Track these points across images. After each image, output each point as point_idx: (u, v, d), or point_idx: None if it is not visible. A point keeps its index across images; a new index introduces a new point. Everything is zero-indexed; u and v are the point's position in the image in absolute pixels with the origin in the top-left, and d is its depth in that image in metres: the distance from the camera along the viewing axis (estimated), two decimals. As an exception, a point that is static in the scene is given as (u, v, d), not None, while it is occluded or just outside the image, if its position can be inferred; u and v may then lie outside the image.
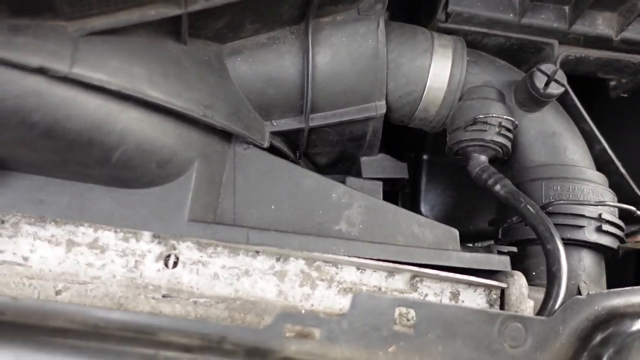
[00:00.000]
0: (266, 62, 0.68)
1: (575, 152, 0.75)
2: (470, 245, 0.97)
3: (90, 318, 0.47)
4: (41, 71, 0.48)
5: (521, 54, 0.86)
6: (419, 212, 0.99)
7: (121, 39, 0.54)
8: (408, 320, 0.58)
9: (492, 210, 0.93)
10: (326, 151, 0.81)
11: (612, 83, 0.93)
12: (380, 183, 0.78)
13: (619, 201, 0.76)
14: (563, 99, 0.81)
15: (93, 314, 0.47)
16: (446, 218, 0.98)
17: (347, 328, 0.52)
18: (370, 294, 0.55)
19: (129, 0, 0.52)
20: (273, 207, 0.66)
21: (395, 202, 0.98)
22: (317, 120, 0.72)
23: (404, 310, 0.57)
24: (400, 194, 1.00)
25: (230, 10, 0.60)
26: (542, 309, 0.58)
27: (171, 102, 0.57)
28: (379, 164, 0.82)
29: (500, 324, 0.54)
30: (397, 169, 0.83)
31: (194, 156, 0.62)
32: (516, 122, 0.73)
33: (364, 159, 0.82)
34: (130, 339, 0.49)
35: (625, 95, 0.93)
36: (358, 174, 0.83)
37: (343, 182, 0.78)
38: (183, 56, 0.60)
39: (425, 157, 0.99)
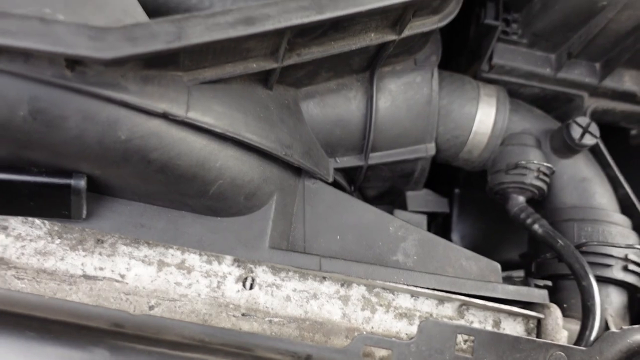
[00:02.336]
0: (335, 106, 0.76)
1: (603, 196, 0.83)
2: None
3: (200, 334, 0.54)
4: (164, 115, 0.56)
5: (553, 103, 0.94)
6: (449, 240, 1.06)
7: (223, 86, 0.62)
8: (467, 345, 0.65)
9: (518, 243, 1.01)
10: (377, 185, 0.88)
11: (633, 132, 1.02)
12: (425, 216, 0.86)
13: None
14: (592, 147, 0.89)
15: (206, 330, 0.54)
16: (475, 248, 1.05)
17: (415, 350, 0.59)
18: (436, 321, 0.62)
19: (237, 55, 0.60)
20: (338, 237, 0.73)
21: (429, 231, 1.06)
22: (375, 159, 0.80)
23: (464, 336, 0.65)
24: (433, 223, 1.08)
25: (313, 63, 0.67)
26: (579, 340, 0.66)
27: (262, 143, 0.64)
28: (423, 199, 0.90)
29: (546, 351, 0.62)
30: (439, 204, 0.90)
31: (274, 189, 0.69)
32: (553, 169, 0.81)
33: (409, 193, 0.90)
34: (228, 352, 0.56)
35: (645, 145, 1.02)
36: (401, 206, 0.90)
37: (391, 213, 0.86)
38: (269, 101, 0.68)
39: (457, 190, 1.07)
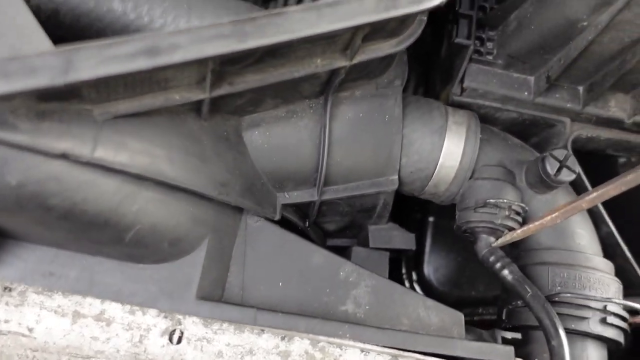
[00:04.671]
0: (283, 136, 0.68)
1: (583, 237, 0.76)
2: (471, 310, 0.97)
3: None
4: (64, 156, 0.48)
5: (533, 128, 0.87)
6: (422, 273, 0.99)
7: (143, 119, 0.54)
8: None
9: (494, 278, 0.93)
10: (335, 220, 0.81)
11: (622, 160, 0.94)
12: (387, 254, 0.79)
13: (623, 283, 0.76)
14: (573, 179, 0.81)
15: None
16: (449, 281, 0.98)
17: None
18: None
19: (154, 85, 0.52)
20: (281, 284, 0.65)
21: (399, 262, 0.99)
22: (330, 193, 0.73)
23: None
24: (404, 255, 1.00)
25: (252, 91, 0.60)
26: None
27: (189, 183, 0.57)
28: (387, 234, 0.82)
29: None
30: (404, 240, 0.83)
31: (206, 232, 0.62)
32: (526, 208, 0.74)
33: (372, 227, 0.82)
34: None
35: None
36: (365, 240, 0.83)
37: (350, 251, 0.78)
38: (202, 133, 0.61)
39: (431, 219, 1.00)
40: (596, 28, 0.67)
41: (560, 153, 0.73)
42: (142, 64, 0.44)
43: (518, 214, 0.74)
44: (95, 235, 0.54)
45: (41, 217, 0.51)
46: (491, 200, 0.72)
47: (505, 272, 0.70)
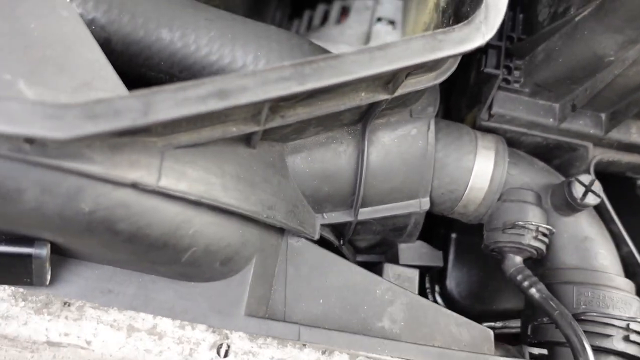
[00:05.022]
0: (323, 161, 0.72)
1: (605, 258, 0.79)
2: (495, 324, 1.00)
3: None
4: (133, 186, 0.52)
5: (556, 152, 0.90)
6: (444, 287, 1.02)
7: (200, 149, 0.58)
8: None
9: (515, 293, 0.97)
10: (368, 238, 0.84)
11: (639, 182, 0.97)
12: (417, 271, 0.82)
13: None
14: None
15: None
16: (470, 295, 1.02)
17: None
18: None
19: (214, 119, 0.56)
20: (321, 300, 0.69)
21: (423, 276, 1.02)
22: (365, 214, 0.76)
23: None
24: (429, 271, 1.03)
25: (299, 122, 0.63)
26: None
27: (241, 207, 0.60)
28: (416, 252, 0.86)
29: None
30: (432, 258, 0.86)
31: (253, 252, 0.66)
32: (553, 230, 0.77)
33: (402, 245, 0.86)
34: None
35: (652, 196, 0.98)
36: (394, 257, 0.86)
37: (381, 267, 0.82)
38: (252, 160, 0.64)
39: (453, 235, 1.03)
40: (623, 63, 0.70)
41: (585, 178, 0.77)
42: (213, 105, 0.48)
43: (545, 235, 0.77)
44: (154, 256, 0.58)
45: (108, 240, 0.54)
46: (519, 222, 0.75)
47: (533, 290, 0.73)
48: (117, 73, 0.72)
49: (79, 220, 0.52)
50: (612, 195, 1.01)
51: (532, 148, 0.90)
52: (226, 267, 0.63)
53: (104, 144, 0.51)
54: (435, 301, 1.02)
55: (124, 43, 0.73)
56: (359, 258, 0.92)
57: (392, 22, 1.23)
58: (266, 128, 0.59)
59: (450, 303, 1.02)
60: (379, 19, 1.22)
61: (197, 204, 0.57)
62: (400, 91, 0.64)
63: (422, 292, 1.03)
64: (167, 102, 0.47)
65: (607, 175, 0.94)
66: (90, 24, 0.72)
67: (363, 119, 0.71)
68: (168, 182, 0.54)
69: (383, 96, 0.64)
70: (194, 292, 0.63)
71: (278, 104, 0.58)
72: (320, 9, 1.31)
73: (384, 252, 0.90)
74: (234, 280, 0.65)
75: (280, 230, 0.71)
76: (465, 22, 0.57)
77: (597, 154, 0.88)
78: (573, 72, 0.76)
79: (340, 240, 0.81)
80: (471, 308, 1.02)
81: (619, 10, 0.65)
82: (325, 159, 0.72)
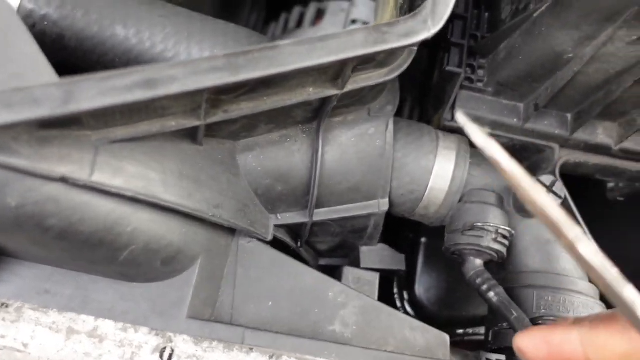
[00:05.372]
0: (277, 160, 0.70)
1: (568, 261, 0.77)
2: (461, 332, 0.98)
3: None
4: (63, 180, 0.50)
5: (523, 153, 0.88)
6: (413, 292, 1.00)
7: (140, 144, 0.56)
8: None
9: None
10: (327, 240, 0.82)
11: (610, 185, 0.96)
12: (377, 275, 0.80)
13: (608, 307, 0.77)
14: (561, 203, 0.83)
15: None
16: (439, 301, 1.00)
17: None
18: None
19: (151, 113, 0.54)
20: (271, 303, 0.67)
21: (390, 282, 1.00)
22: (321, 215, 0.74)
23: None
24: (397, 275, 1.02)
25: (246, 118, 0.62)
26: None
27: (182, 205, 0.58)
28: (377, 255, 0.84)
29: None
30: (395, 261, 0.84)
31: (199, 252, 0.64)
32: (512, 232, 0.75)
33: (363, 248, 0.84)
34: None
35: (622, 199, 0.96)
36: (357, 260, 0.84)
37: (341, 271, 0.80)
38: (197, 157, 0.63)
39: (423, 239, 1.01)
40: (581, 60, 0.69)
41: (546, 179, 0.75)
42: (140, 95, 0.46)
43: (505, 237, 0.75)
44: (90, 254, 0.56)
45: (39, 236, 0.52)
46: (478, 224, 0.74)
47: (491, 294, 0.72)
48: (74, 70, 0.71)
49: (6, 215, 0.50)
50: (584, 198, 0.99)
51: (498, 150, 0.88)
52: (168, 267, 0.61)
53: (32, 137, 0.49)
54: (403, 307, 1.00)
55: (77, 39, 0.72)
56: (322, 261, 0.90)
57: (366, 24, 1.22)
58: (208, 123, 0.58)
59: (419, 309, 1.00)
60: (354, 21, 1.21)
61: (135, 200, 0.55)
62: (350, 87, 0.63)
63: (390, 298, 1.01)
64: (91, 91, 0.45)
65: (577, 178, 0.93)
66: (43, 19, 0.71)
67: (318, 117, 0.70)
68: (102, 177, 0.52)
69: (332, 92, 0.62)
70: (135, 292, 0.61)
71: (219, 98, 0.56)
72: (296, 11, 1.30)
73: (347, 255, 0.89)
74: (177, 281, 0.63)
75: (231, 231, 0.69)
76: (412, 14, 0.56)
77: (564, 156, 0.86)
78: (533, 70, 0.74)
79: (297, 243, 0.79)
80: (440, 314, 1.00)
81: (574, 5, 0.64)
82: (279, 157, 0.70)
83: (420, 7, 0.57)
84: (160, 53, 0.73)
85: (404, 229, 1.04)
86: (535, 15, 0.70)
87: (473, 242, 0.74)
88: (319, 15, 1.28)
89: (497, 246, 0.75)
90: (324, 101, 0.65)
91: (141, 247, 0.58)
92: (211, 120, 0.57)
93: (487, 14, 0.85)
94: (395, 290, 1.02)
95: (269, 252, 0.69)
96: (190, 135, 0.61)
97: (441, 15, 0.57)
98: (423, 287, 1.00)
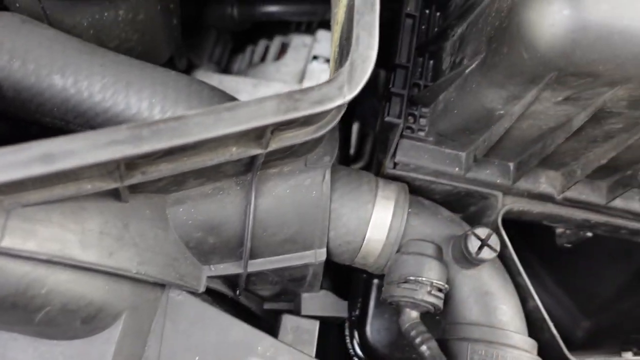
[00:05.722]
0: (209, 212, 0.70)
1: (505, 314, 0.77)
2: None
3: None
4: (-32, 247, 0.51)
5: (469, 199, 0.89)
6: (364, 334, 1.00)
7: (56, 205, 0.57)
8: None
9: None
10: (267, 288, 0.83)
11: (559, 231, 0.96)
12: (317, 322, 0.80)
13: (549, 360, 0.78)
14: (502, 252, 0.83)
15: None
16: (390, 344, 0.99)
17: None
18: None
19: (63, 178, 0.55)
20: (197, 358, 0.67)
21: (341, 325, 1.00)
22: (256, 265, 0.75)
23: None
24: (350, 316, 1.01)
25: (171, 176, 0.62)
26: None
27: (102, 264, 0.59)
28: (319, 301, 0.84)
29: None
30: (337, 308, 0.84)
31: (123, 308, 0.64)
32: (446, 286, 0.75)
33: (304, 295, 0.84)
34: None
35: (569, 246, 0.96)
36: (297, 308, 0.84)
37: (280, 319, 0.80)
38: (122, 214, 0.63)
39: (375, 281, 1.01)
40: (511, 117, 0.69)
41: (482, 232, 0.75)
42: (37, 170, 0.47)
43: (440, 290, 0.75)
44: (5, 317, 0.57)
45: (-53, 301, 0.53)
46: (411, 278, 0.74)
47: (424, 347, 0.72)
48: (10, 118, 0.71)
49: None
50: (532, 241, 0.99)
51: (444, 195, 0.88)
52: (89, 325, 0.61)
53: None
54: (353, 349, 1.00)
55: (15, 89, 0.73)
56: (267, 306, 0.90)
57: (328, 60, 1.23)
58: (127, 185, 0.58)
59: (369, 351, 0.99)
60: (315, 57, 1.22)
61: (51, 262, 0.56)
62: (274, 145, 0.63)
63: (341, 340, 1.01)
64: (-13, 167, 0.46)
65: (527, 223, 0.93)
66: (-21, 70, 0.72)
67: (251, 170, 0.70)
68: (12, 242, 0.53)
69: (256, 151, 0.62)
70: (56, 351, 0.62)
71: (134, 162, 0.56)
72: (262, 44, 1.32)
73: (292, 299, 0.89)
74: (99, 338, 0.63)
75: (160, 285, 0.69)
76: (327, 80, 0.57)
77: (508, 203, 0.86)
78: (468, 124, 0.75)
79: (235, 291, 0.79)
80: (391, 357, 0.99)
81: (499, 66, 0.64)
82: (211, 210, 0.70)
83: (337, 72, 0.57)
84: (98, 102, 0.73)
85: (357, 270, 1.04)
86: (467, 71, 0.70)
87: (407, 295, 0.74)
88: (283, 49, 1.29)
89: (431, 299, 0.74)
90: (252, 158, 0.65)
91: (58, 308, 0.58)
92: (129, 182, 0.58)
93: (431, 62, 0.86)
94: (347, 332, 1.02)
95: (198, 305, 0.70)
96: (113, 194, 0.61)
97: (358, 82, 0.57)
98: (374, 329, 0.99)
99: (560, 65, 0.59)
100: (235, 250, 0.73)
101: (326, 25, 1.26)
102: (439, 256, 0.78)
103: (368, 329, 1.00)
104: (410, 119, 0.82)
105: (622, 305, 1.28)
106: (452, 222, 0.82)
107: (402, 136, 0.81)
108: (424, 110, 0.83)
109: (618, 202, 0.85)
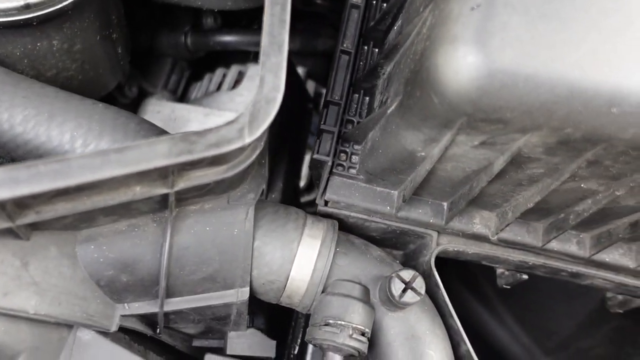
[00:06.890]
0: (122, 250, 0.69)
1: (432, 358, 0.75)
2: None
3: None
4: None
5: (405, 237, 0.88)
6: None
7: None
8: None
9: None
10: (190, 326, 0.80)
11: (499, 271, 0.95)
12: (241, 364, 0.78)
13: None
14: (434, 293, 0.82)
15: None
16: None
17: None
18: None
19: (-51, 218, 0.53)
20: (100, 403, 0.65)
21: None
22: (174, 304, 0.73)
23: None
24: (287, 352, 0.99)
25: (76, 213, 0.61)
26: None
27: (-6, 306, 0.57)
28: (246, 340, 0.82)
29: None
30: (264, 347, 0.82)
31: (20, 350, 0.62)
32: (368, 330, 0.73)
33: (231, 334, 0.82)
34: None
35: (508, 287, 0.95)
36: (223, 347, 0.82)
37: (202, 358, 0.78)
38: (22, 253, 0.61)
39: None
40: (432, 159, 0.68)
41: (407, 274, 0.74)
42: None
43: (363, 334, 0.73)
44: None
45: None
46: (332, 321, 0.72)
47: (345, 394, 0.70)
48: None
49: None
50: (493, 279, 0.98)
51: (381, 233, 0.87)
52: (-20, 368, 0.59)
53: None
54: (291, 386, 0.97)
55: None
56: (196, 343, 0.88)
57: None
58: (19, 224, 0.56)
59: (308, 389, 0.97)
60: (270, 88, 1.22)
61: (-64, 304, 0.54)
62: (182, 185, 0.62)
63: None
64: None
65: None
66: None
67: (167, 207, 0.69)
68: None
69: (162, 190, 0.61)
70: (-55, 394, 0.59)
71: (23, 202, 0.55)
72: (219, 73, 1.31)
73: (221, 337, 0.86)
74: (-7, 381, 0.61)
75: (67, 324, 0.67)
76: (226, 123, 0.56)
77: (443, 243, 0.85)
78: (394, 164, 0.74)
79: (156, 330, 0.77)
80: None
81: (413, 108, 0.63)
82: (124, 248, 0.69)
83: (239, 114, 0.56)
84: (19, 135, 0.72)
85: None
86: (388, 112, 0.70)
87: (328, 338, 0.72)
88: (240, 78, 1.29)
89: (354, 343, 0.72)
90: (162, 197, 0.64)
91: (-56, 351, 0.56)
92: (22, 222, 0.56)
93: (367, 99, 0.85)
94: (285, 369, 1.00)
95: (107, 346, 0.68)
96: (10, 232, 0.60)
97: (260, 124, 0.56)
98: (313, 366, 0.97)
99: (469, 111, 0.58)
100: (151, 289, 0.71)
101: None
102: (365, 298, 0.76)
103: (307, 366, 0.97)
104: (343, 156, 0.81)
105: (580, 343, 1.26)
106: (381, 262, 0.81)
107: (332, 173, 0.80)
108: (356, 147, 0.82)
109: (555, 245, 0.84)
